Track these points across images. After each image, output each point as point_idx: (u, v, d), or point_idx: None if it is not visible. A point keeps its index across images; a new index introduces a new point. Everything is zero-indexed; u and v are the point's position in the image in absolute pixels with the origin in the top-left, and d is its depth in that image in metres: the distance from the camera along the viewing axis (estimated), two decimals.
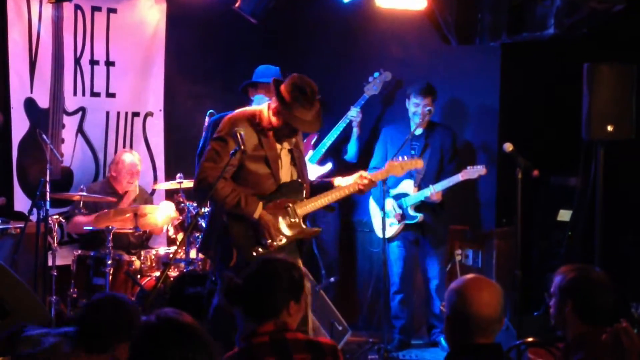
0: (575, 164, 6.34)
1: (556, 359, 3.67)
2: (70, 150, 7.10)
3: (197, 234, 6.48)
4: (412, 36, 7.22)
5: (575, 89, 6.12)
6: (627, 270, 6.19)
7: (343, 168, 7.20)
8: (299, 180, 4.78)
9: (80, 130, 7.18)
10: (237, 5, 6.54)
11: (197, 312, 4.87)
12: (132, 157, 6.89)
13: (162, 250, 6.72)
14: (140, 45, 7.45)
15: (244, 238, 4.58)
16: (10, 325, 4.49)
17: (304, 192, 4.78)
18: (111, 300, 3.26)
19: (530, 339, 4.42)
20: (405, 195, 6.49)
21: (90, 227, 6.40)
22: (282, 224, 4.67)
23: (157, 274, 6.37)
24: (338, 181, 4.95)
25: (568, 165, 6.51)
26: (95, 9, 7.13)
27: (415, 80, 6.64)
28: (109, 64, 7.28)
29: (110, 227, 6.23)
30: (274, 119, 4.62)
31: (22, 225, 6.19)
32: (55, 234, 6.41)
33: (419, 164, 5.19)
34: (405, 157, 5.28)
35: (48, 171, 6.13)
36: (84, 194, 6.42)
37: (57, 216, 6.52)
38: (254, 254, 4.53)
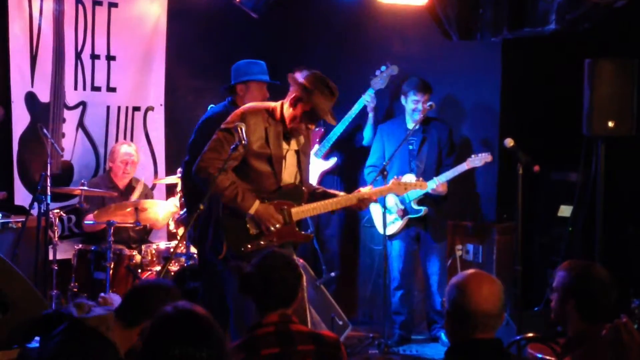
0: (576, 160, 6.33)
1: (556, 354, 3.67)
2: (71, 144, 7.11)
3: None
4: (413, 31, 7.22)
5: (576, 84, 6.11)
6: (627, 265, 6.18)
7: (349, 163, 7.23)
8: (300, 184, 4.76)
9: (80, 124, 7.18)
10: None
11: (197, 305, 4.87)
12: (127, 148, 6.89)
13: (163, 244, 6.72)
14: (141, 39, 7.45)
15: (236, 234, 4.56)
16: (11, 319, 4.51)
17: (303, 197, 4.76)
18: (149, 281, 3.39)
19: (530, 334, 4.42)
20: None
21: (92, 222, 6.41)
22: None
23: (158, 268, 6.37)
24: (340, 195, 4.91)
25: (569, 161, 6.51)
26: (96, 3, 7.14)
27: (417, 76, 6.63)
28: (109, 58, 7.28)
29: (111, 222, 6.23)
30: (290, 110, 4.58)
31: (23, 220, 6.20)
32: (56, 228, 6.42)
33: (424, 186, 5.18)
34: (412, 178, 5.25)
35: (49, 165, 6.14)
36: (85, 188, 6.43)
37: (58, 210, 6.52)
38: (243, 249, 4.52)
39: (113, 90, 7.34)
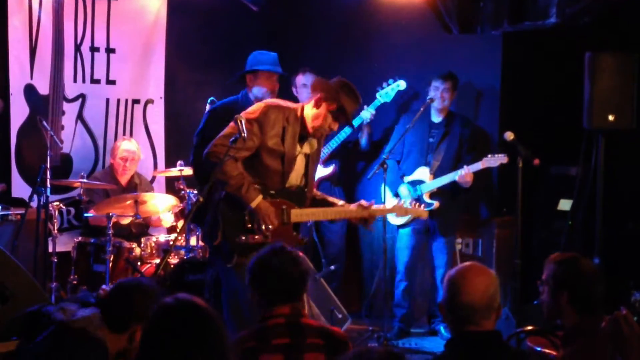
0: (576, 153, 6.33)
1: (556, 347, 3.67)
2: (70, 137, 7.09)
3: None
4: (413, 24, 7.20)
5: (576, 78, 6.10)
6: (627, 258, 6.19)
7: (347, 170, 7.23)
8: (305, 188, 4.77)
9: (80, 117, 7.17)
10: None
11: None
12: (129, 144, 6.89)
13: (163, 237, 6.72)
14: (141, 32, 7.44)
15: (232, 225, 4.57)
16: (10, 311, 4.51)
17: (305, 200, 4.78)
18: (132, 283, 3.36)
19: (529, 328, 4.42)
20: (420, 182, 6.48)
21: (91, 214, 6.41)
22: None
23: (157, 261, 6.37)
24: (340, 204, 4.92)
25: (569, 155, 6.50)
26: None
27: (417, 69, 6.64)
28: (109, 50, 7.27)
29: (110, 214, 6.23)
30: (314, 110, 4.61)
31: (22, 212, 6.19)
32: (55, 220, 6.42)
33: (424, 214, 5.18)
34: (414, 204, 5.24)
35: (48, 158, 6.13)
36: (84, 180, 6.42)
37: (58, 203, 6.52)
38: (237, 240, 4.53)
39: (112, 82, 7.33)
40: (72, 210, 7.09)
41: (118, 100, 7.39)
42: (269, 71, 5.51)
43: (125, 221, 6.58)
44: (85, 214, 6.54)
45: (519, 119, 6.65)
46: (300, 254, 4.65)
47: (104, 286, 3.84)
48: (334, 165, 6.97)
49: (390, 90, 6.80)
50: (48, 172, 6.10)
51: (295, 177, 4.73)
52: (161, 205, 6.65)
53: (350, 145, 7.09)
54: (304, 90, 6.86)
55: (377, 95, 6.81)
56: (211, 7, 7.61)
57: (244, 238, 4.54)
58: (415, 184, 6.52)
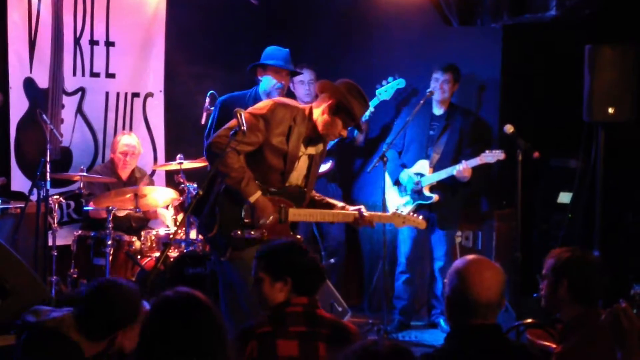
0: (576, 146, 6.34)
1: (555, 340, 3.67)
2: (70, 130, 7.09)
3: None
4: (413, 17, 7.19)
5: (576, 70, 6.10)
6: (627, 251, 6.19)
7: (344, 166, 7.22)
8: (305, 188, 4.78)
9: (79, 110, 7.16)
10: None
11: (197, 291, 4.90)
12: (129, 139, 6.89)
13: (162, 230, 6.72)
14: (141, 25, 7.42)
15: (230, 218, 4.58)
16: (11, 305, 4.51)
17: (304, 201, 4.78)
18: (111, 289, 3.26)
19: (529, 320, 4.43)
20: (420, 175, 6.49)
21: (91, 208, 6.41)
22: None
23: (157, 254, 6.37)
24: (340, 206, 4.91)
25: (569, 147, 6.51)
26: None
27: (416, 61, 6.63)
28: (108, 44, 7.26)
29: (110, 208, 6.23)
30: (324, 117, 4.61)
31: (22, 205, 6.19)
32: (55, 214, 6.42)
33: (422, 224, 5.19)
34: (412, 214, 5.24)
35: (48, 151, 6.13)
36: (84, 174, 6.42)
37: (58, 196, 6.52)
38: (232, 234, 4.54)
39: (112, 76, 7.32)
40: (72, 203, 7.09)
41: (118, 94, 7.38)
42: (277, 66, 5.52)
43: (122, 213, 6.58)
44: (85, 208, 6.55)
45: (518, 111, 6.65)
46: None
47: (82, 283, 3.81)
48: (331, 161, 6.97)
49: (390, 88, 6.80)
50: (48, 166, 6.09)
51: (297, 177, 4.74)
52: (161, 199, 6.65)
53: (346, 142, 7.08)
54: (301, 87, 6.87)
55: (377, 92, 6.80)
56: (211, 0, 7.61)
57: (239, 232, 4.55)
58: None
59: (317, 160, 4.83)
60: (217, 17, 7.78)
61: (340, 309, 6.21)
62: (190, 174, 6.51)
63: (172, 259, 6.23)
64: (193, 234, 6.47)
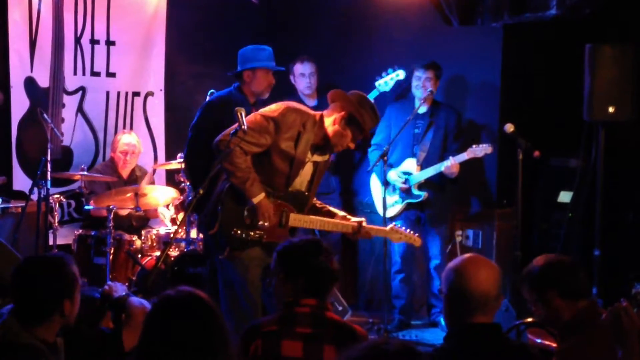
0: (576, 145, 6.33)
1: (556, 339, 3.67)
2: (70, 129, 7.10)
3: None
4: (413, 16, 7.19)
5: (576, 70, 6.10)
6: (627, 250, 6.19)
7: (344, 159, 7.22)
8: (307, 194, 4.79)
9: (80, 109, 7.17)
10: None
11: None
12: (129, 138, 6.90)
13: (163, 230, 6.73)
14: (141, 24, 7.43)
15: (231, 218, 4.59)
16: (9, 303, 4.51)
17: (306, 206, 4.80)
18: (34, 266, 3.16)
19: (529, 320, 4.42)
20: (408, 174, 6.49)
21: (92, 207, 6.41)
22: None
23: (158, 253, 6.38)
24: (341, 215, 4.93)
25: (569, 147, 6.50)
26: None
27: (416, 61, 6.62)
28: (109, 43, 7.26)
29: (110, 207, 6.23)
30: (335, 128, 4.64)
31: (23, 205, 6.20)
32: (56, 213, 6.42)
33: (417, 242, 5.20)
34: (408, 230, 5.24)
35: (49, 150, 6.13)
36: (85, 173, 6.43)
37: (58, 195, 6.52)
38: (232, 233, 4.55)
39: (113, 75, 7.33)
40: (73, 202, 7.10)
41: (118, 93, 7.39)
42: (266, 68, 5.50)
43: (123, 212, 6.58)
44: (86, 207, 6.55)
45: (519, 111, 6.64)
46: None
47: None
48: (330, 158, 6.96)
49: (390, 79, 6.78)
50: (48, 165, 6.10)
51: (300, 182, 4.75)
52: (161, 198, 6.66)
53: None
54: (302, 80, 6.84)
55: (376, 84, 6.78)
56: (211, 0, 7.61)
57: (239, 232, 4.56)
58: (402, 175, 6.52)
59: (322, 168, 4.86)
60: (218, 16, 7.78)
61: (340, 308, 6.22)
62: None
63: (172, 258, 6.24)
64: (194, 233, 6.47)
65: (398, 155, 6.54)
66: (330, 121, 4.66)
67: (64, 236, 6.70)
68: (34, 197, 6.23)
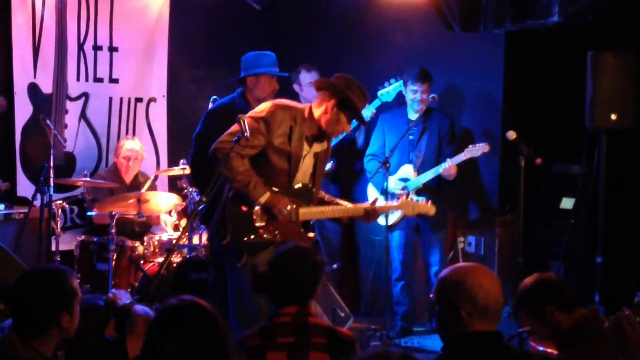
0: (579, 152, 6.33)
1: (558, 346, 3.67)
2: (73, 135, 7.11)
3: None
4: (415, 23, 7.20)
5: (579, 77, 6.10)
6: (630, 258, 6.18)
7: (344, 167, 7.22)
8: (312, 187, 4.77)
9: (83, 115, 7.19)
10: None
11: (200, 298, 4.90)
12: (132, 143, 6.91)
13: (166, 236, 6.73)
14: (144, 30, 7.45)
15: (241, 224, 4.58)
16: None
17: (313, 199, 4.78)
18: (31, 279, 3.13)
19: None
20: (405, 180, 6.49)
21: (94, 213, 6.42)
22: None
23: (161, 259, 6.38)
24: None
25: (571, 153, 6.50)
26: None
27: (418, 65, 6.62)
28: (112, 49, 7.28)
29: (113, 213, 6.23)
30: (326, 116, 4.62)
31: (25, 211, 6.21)
32: (58, 219, 6.42)
33: (432, 210, 5.18)
34: (423, 200, 5.23)
35: (52, 156, 6.14)
36: (88, 179, 6.43)
37: (61, 201, 6.53)
38: (245, 239, 4.54)
39: (115, 81, 7.35)
40: (76, 208, 7.11)
41: (121, 99, 7.40)
42: (270, 74, 5.51)
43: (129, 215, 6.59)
44: (89, 213, 6.55)
45: (521, 117, 6.64)
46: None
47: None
48: (332, 162, 6.98)
49: (392, 89, 6.79)
50: (51, 171, 6.11)
51: (303, 176, 4.73)
52: (164, 204, 6.66)
53: (346, 143, 7.09)
54: (311, 89, 6.84)
55: (378, 94, 6.80)
56: (214, 6, 7.63)
57: (252, 237, 4.55)
58: (400, 181, 6.52)
59: (322, 158, 4.83)
60: (220, 22, 7.80)
61: (342, 314, 6.22)
62: None
63: (175, 265, 6.24)
64: (196, 240, 6.47)
65: (394, 163, 6.54)
66: (321, 111, 4.64)
67: (66, 242, 6.71)
68: (37, 203, 6.24)
